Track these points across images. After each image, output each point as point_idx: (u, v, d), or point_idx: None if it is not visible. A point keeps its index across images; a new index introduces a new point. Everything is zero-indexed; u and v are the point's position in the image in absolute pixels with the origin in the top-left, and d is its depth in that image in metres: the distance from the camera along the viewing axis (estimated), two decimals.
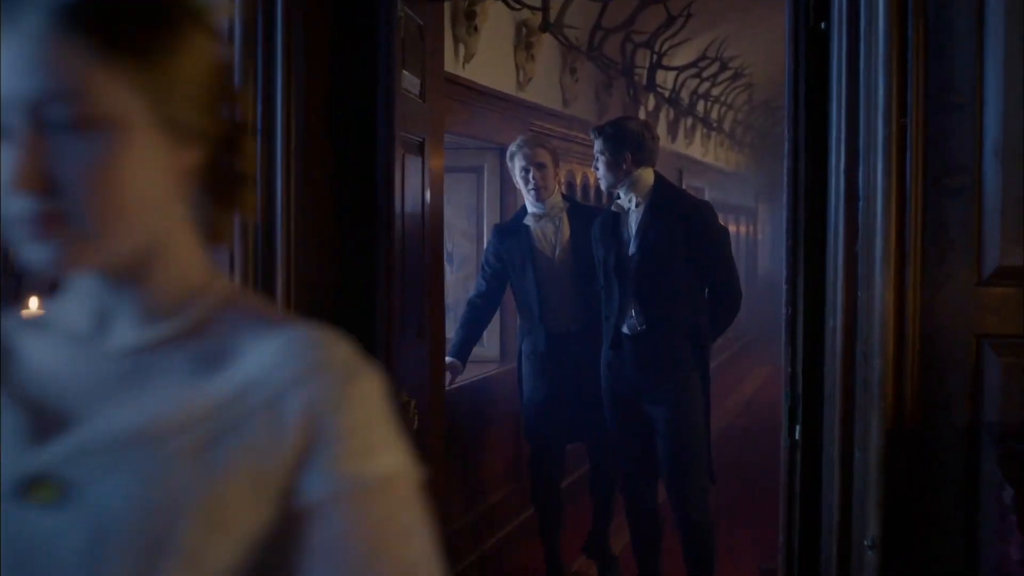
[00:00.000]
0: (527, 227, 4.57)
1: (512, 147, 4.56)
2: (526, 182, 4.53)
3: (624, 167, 4.16)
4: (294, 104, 2.79)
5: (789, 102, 2.66)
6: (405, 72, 3.19)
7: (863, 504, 2.35)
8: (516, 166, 4.54)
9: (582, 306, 4.51)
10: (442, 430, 3.74)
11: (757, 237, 16.58)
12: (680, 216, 4.12)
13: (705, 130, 12.35)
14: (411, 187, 3.30)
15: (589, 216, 4.58)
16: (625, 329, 4.17)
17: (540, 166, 4.52)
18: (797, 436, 2.73)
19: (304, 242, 2.83)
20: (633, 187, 4.18)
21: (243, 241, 2.71)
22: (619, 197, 4.24)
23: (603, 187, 4.29)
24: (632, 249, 4.15)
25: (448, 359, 4.51)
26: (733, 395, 10.60)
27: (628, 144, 4.16)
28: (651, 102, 9.33)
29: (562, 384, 4.54)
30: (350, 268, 3.05)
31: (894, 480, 2.34)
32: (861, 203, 2.42)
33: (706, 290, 4.19)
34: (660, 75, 8.75)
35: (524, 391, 4.64)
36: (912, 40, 2.28)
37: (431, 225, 3.55)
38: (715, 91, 11.52)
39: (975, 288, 2.29)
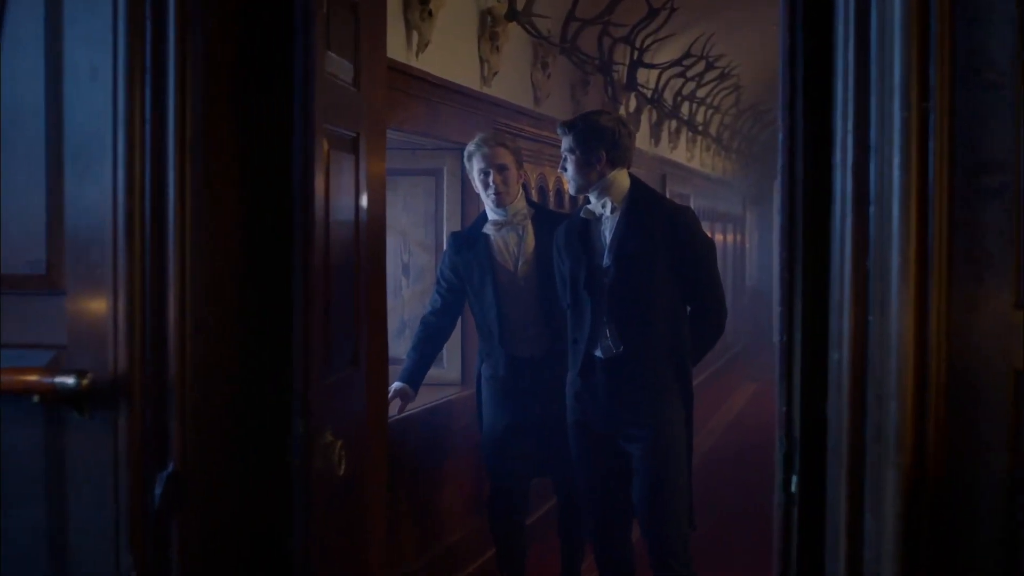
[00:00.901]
0: (486, 236, 4.14)
1: (470, 146, 4.14)
2: (485, 186, 4.11)
3: (598, 168, 3.74)
4: (191, 82, 2.34)
5: (784, 84, 2.23)
6: (332, 54, 2.75)
7: None
8: (474, 168, 4.12)
9: (548, 326, 4.09)
10: (384, 469, 3.30)
11: (745, 245, 16.21)
12: (661, 224, 3.70)
13: (690, 134, 11.96)
14: (341, 190, 2.86)
15: (557, 224, 4.15)
16: (598, 353, 3.75)
17: (501, 168, 4.10)
18: (793, 489, 2.29)
19: (203, 258, 2.38)
20: (607, 191, 3.75)
21: (128, 260, 2.26)
22: (589, 202, 3.81)
23: (572, 191, 3.85)
24: (607, 261, 3.72)
25: (397, 385, 4.07)
26: (717, 414, 10.18)
27: (603, 141, 3.73)
28: (632, 102, 8.91)
29: (526, 412, 4.11)
30: (262, 290, 2.60)
31: (914, 550, 1.92)
32: (873, 207, 1.99)
33: (687, 308, 3.78)
34: (642, 74, 8.34)
35: (484, 419, 4.20)
36: (935, 2, 1.85)
37: (369, 235, 3.11)
38: (701, 92, 11.13)
39: (1014, 312, 1.87)
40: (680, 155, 11.72)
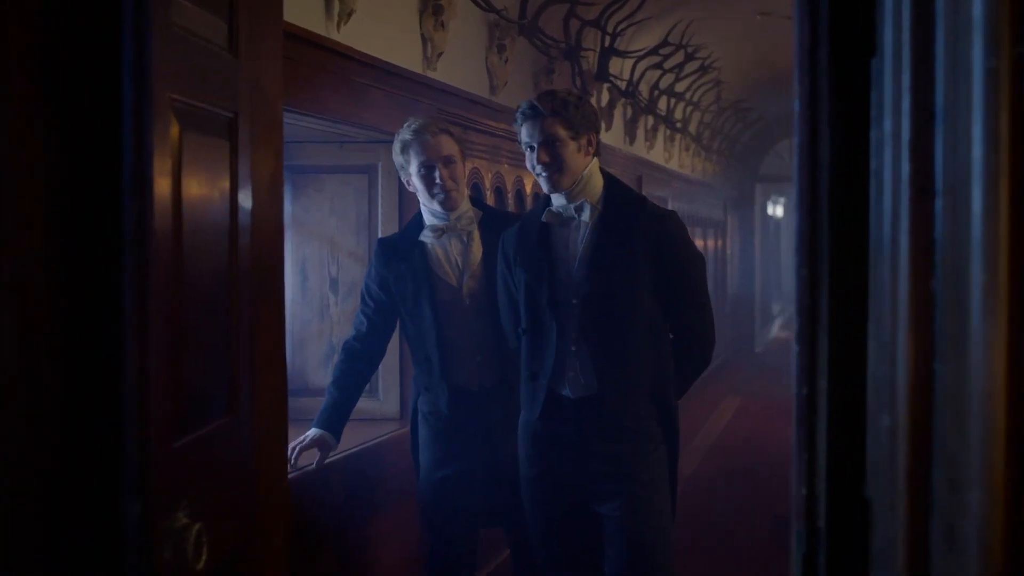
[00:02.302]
0: (423, 245, 3.48)
1: (403, 134, 3.45)
2: (430, 184, 3.42)
3: (584, 157, 3.14)
4: None
5: (801, 18, 1.60)
6: (189, 3, 2.10)
7: None
8: (412, 162, 3.44)
9: (499, 352, 3.45)
10: (280, 549, 2.64)
11: (726, 251, 15.64)
12: (643, 232, 3.06)
13: (668, 132, 11.36)
14: (207, 187, 2.21)
15: (502, 222, 3.52)
16: (566, 391, 3.11)
17: (448, 160, 3.43)
18: None
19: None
20: (586, 189, 3.12)
21: None
22: (551, 203, 3.17)
23: (549, 188, 3.18)
24: (579, 275, 3.08)
25: (313, 432, 3.42)
26: (700, 433, 9.56)
27: (592, 123, 3.16)
28: (605, 95, 8.29)
29: (473, 456, 3.47)
30: (85, 325, 1.95)
31: None
32: (941, 201, 1.36)
33: (670, 333, 3.16)
34: (615, 63, 7.73)
35: (420, 463, 3.54)
36: None
37: (256, 245, 2.46)
38: (679, 87, 10.55)
39: None
40: (657, 155, 11.12)
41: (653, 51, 8.03)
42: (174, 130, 2.02)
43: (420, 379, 3.54)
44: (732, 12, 9.44)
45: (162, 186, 1.95)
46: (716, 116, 14.08)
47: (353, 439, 3.94)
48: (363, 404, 4.33)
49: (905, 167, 1.40)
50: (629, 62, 8.17)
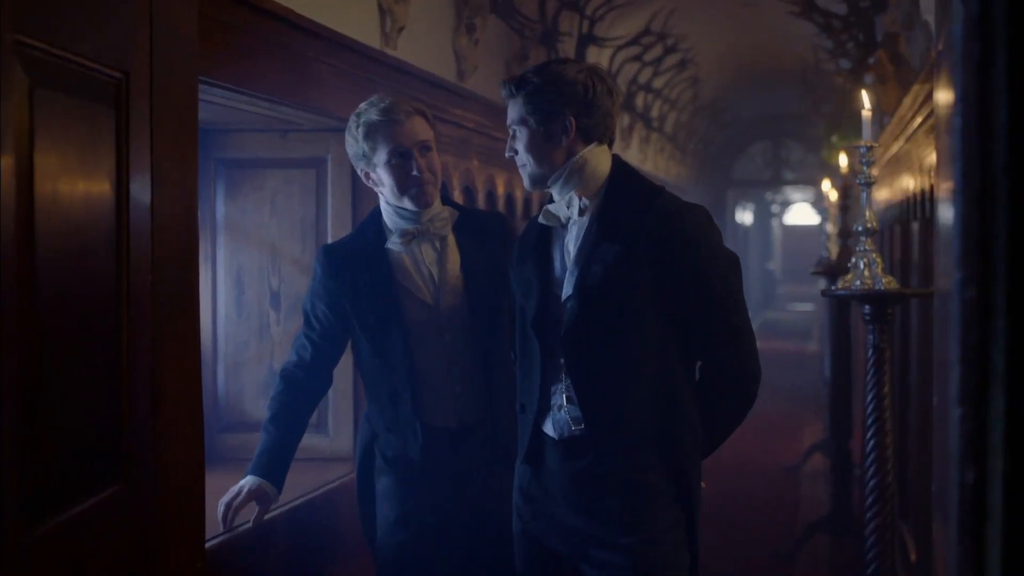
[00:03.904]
0: (387, 254, 2.87)
1: (368, 115, 2.80)
2: (403, 176, 2.80)
3: (564, 144, 2.49)
4: None
5: None
6: None
7: None
8: (380, 150, 2.80)
9: (481, 384, 2.89)
10: None
11: None
12: (648, 233, 2.46)
13: (644, 132, 10.86)
14: (73, 172, 1.63)
15: (488, 231, 2.96)
16: (549, 430, 2.53)
17: (424, 147, 2.82)
18: None
19: None
20: (574, 179, 2.52)
21: None
22: (551, 200, 2.58)
23: (527, 184, 2.59)
24: (567, 290, 2.49)
25: (249, 481, 2.84)
26: (714, 457, 8.82)
27: (570, 102, 2.47)
28: None
29: (448, 507, 2.89)
30: None
31: None
32: None
33: (697, 365, 2.56)
34: (592, 53, 7.20)
35: (379, 520, 2.94)
36: None
37: (156, 256, 1.88)
38: (657, 83, 10.05)
39: None
40: (632, 157, 10.60)
41: (634, 40, 7.51)
42: (19, 85, 1.43)
43: (378, 417, 2.94)
44: (715, 4, 8.97)
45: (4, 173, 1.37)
46: (692, 116, 13.62)
47: (298, 486, 3.34)
48: (309, 441, 3.73)
49: None
50: (607, 53, 7.64)
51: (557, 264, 2.54)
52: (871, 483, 3.35)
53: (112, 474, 1.79)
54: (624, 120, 9.97)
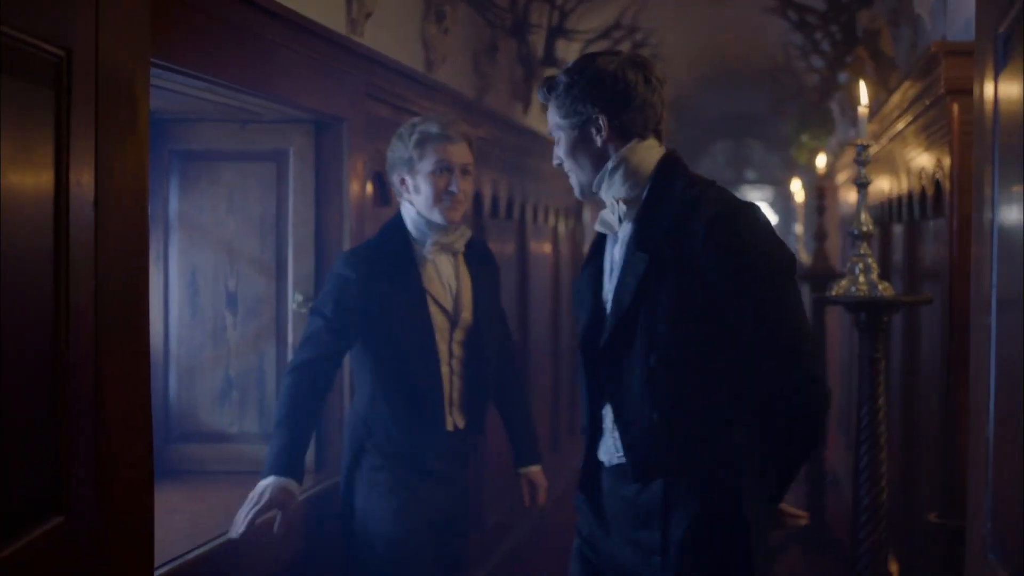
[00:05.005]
0: (417, 260, 3.11)
1: (426, 127, 3.07)
2: (441, 189, 3.05)
3: (600, 144, 2.33)
4: None
5: None
6: None
7: None
8: (427, 159, 3.05)
9: (477, 392, 3.20)
10: None
11: None
12: (682, 239, 2.27)
13: None
14: (3, 161, 1.43)
15: (486, 256, 3.32)
16: (602, 455, 2.42)
17: (465, 170, 3.11)
18: None
19: None
20: (616, 182, 2.35)
21: None
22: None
23: (576, 193, 2.44)
24: (609, 307, 2.35)
25: (270, 482, 2.89)
26: None
27: (600, 97, 2.30)
28: None
29: (442, 508, 3.15)
30: None
31: None
32: None
33: (752, 392, 2.35)
34: (562, 46, 7.04)
35: (372, 514, 3.06)
36: None
37: (100, 256, 1.68)
38: None
39: None
40: None
41: (604, 34, 7.34)
42: None
43: (386, 416, 3.06)
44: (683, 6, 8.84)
45: None
46: None
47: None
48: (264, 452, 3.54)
49: None
50: (577, 46, 7.48)
51: (607, 276, 2.39)
52: (865, 500, 3.20)
53: (51, 505, 1.59)
54: None
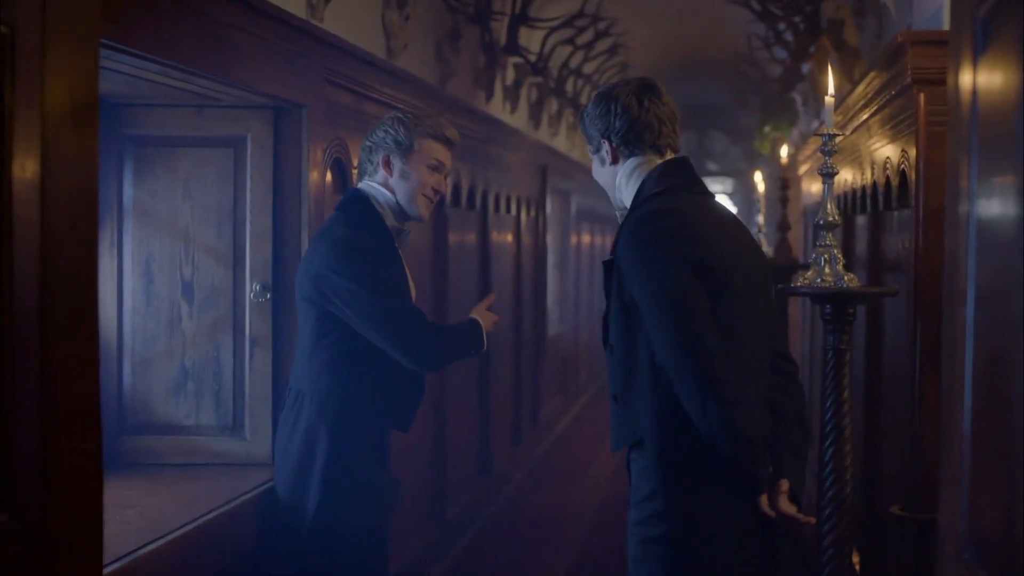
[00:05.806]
0: (397, 250, 3.14)
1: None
2: (428, 186, 3.09)
3: (609, 165, 2.64)
4: None
5: None
6: None
7: None
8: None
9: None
10: None
11: None
12: (620, 251, 2.52)
13: (573, 119, 10.67)
14: None
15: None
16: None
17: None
18: None
19: None
20: (618, 198, 2.66)
21: None
22: None
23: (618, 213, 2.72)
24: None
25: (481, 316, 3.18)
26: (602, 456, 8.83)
27: (600, 124, 2.60)
28: (511, 73, 7.53)
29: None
30: None
31: None
32: None
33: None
34: (524, 35, 6.97)
35: (370, 482, 3.04)
36: None
37: (45, 243, 1.61)
38: (588, 68, 9.86)
39: None
40: (561, 143, 10.42)
41: (567, 22, 7.29)
42: None
43: (384, 393, 3.03)
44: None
45: None
46: None
47: (212, 496, 3.08)
48: (224, 446, 3.48)
49: None
50: (539, 35, 7.42)
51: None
52: (829, 494, 3.18)
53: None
54: (553, 106, 9.77)
